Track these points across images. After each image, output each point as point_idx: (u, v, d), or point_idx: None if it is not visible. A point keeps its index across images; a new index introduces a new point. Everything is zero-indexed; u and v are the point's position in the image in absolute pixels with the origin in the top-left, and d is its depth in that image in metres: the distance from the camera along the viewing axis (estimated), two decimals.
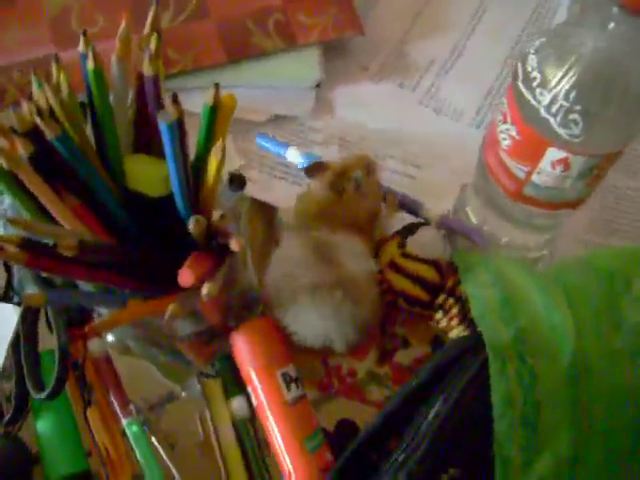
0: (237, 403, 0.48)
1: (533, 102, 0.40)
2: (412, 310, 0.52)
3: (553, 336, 0.41)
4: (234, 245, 0.37)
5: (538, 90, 0.39)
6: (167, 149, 0.38)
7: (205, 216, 0.38)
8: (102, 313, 0.46)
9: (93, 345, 0.48)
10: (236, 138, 0.61)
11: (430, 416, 0.39)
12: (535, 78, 0.39)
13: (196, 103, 0.59)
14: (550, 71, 0.39)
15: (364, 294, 0.47)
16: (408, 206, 0.54)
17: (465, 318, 0.50)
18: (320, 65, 0.62)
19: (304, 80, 0.62)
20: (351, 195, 0.49)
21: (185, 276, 0.37)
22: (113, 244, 0.42)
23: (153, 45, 0.41)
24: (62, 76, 0.39)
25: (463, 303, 0.50)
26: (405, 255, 0.51)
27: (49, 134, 0.36)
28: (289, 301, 0.46)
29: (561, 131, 0.39)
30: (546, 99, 0.39)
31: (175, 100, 0.37)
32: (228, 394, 0.49)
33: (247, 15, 0.62)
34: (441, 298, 0.50)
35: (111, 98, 0.42)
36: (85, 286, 0.43)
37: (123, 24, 0.41)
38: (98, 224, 0.42)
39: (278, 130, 0.61)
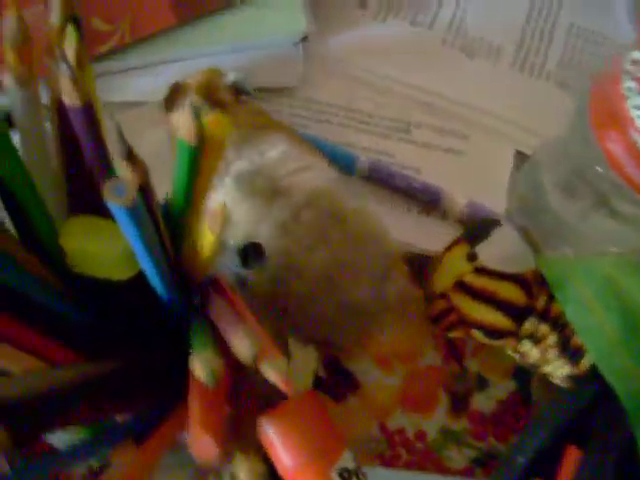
0: None
1: None
2: (491, 343, 0.38)
3: None
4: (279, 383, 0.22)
5: None
6: (128, 235, 0.23)
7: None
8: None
9: None
10: None
11: None
12: None
13: (141, 89, 0.44)
14: None
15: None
16: (421, 196, 0.41)
17: (566, 348, 0.37)
18: (305, 9, 0.45)
19: (286, 34, 0.45)
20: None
21: (205, 446, 0.23)
22: (83, 367, 0.28)
23: (72, 47, 0.25)
24: None
25: (562, 328, 0.37)
26: (479, 271, 0.36)
27: None
28: None
29: None
30: None
31: (131, 156, 0.21)
32: None
33: None
34: (530, 324, 0.37)
35: (15, 141, 0.26)
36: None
37: (11, 12, 0.25)
38: (43, 340, 0.27)
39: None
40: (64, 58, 0.24)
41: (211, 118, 0.23)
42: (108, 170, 0.27)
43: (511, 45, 0.47)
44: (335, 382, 0.40)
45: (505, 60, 0.47)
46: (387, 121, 0.45)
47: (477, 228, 0.37)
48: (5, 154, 0.25)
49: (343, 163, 0.40)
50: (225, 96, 0.34)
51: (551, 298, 0.37)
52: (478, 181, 0.44)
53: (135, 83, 0.44)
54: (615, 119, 0.31)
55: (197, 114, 0.23)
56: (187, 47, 0.44)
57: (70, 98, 0.24)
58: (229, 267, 0.27)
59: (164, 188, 0.27)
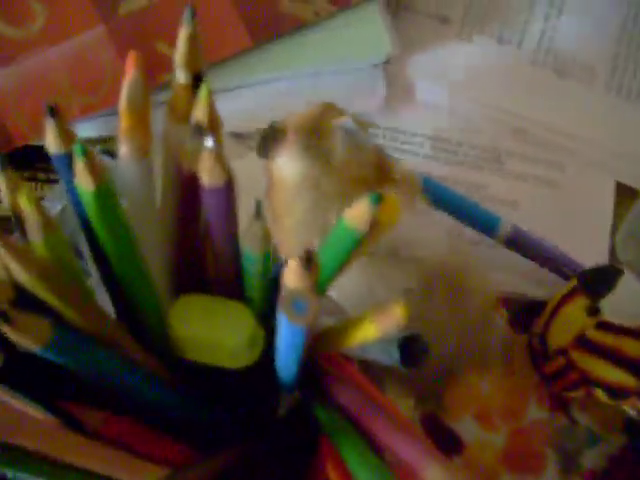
0: None
1: None
2: (614, 402, 0.35)
3: None
4: None
5: None
6: (287, 346, 0.19)
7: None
8: None
9: None
10: None
11: None
12: None
13: None
14: None
15: None
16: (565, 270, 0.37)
17: None
18: (389, 30, 0.41)
19: (368, 56, 0.41)
20: (345, 154, 0.30)
21: None
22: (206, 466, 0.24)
23: (204, 111, 0.21)
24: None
25: None
26: (602, 326, 0.33)
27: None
28: None
29: None
30: None
31: (309, 258, 0.17)
32: None
33: None
34: None
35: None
36: None
37: (131, 75, 0.22)
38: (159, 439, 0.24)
39: None
40: (202, 129, 0.20)
41: (386, 203, 0.20)
42: (235, 249, 0.23)
43: (605, 65, 0.43)
44: (435, 442, 0.37)
45: (600, 81, 0.43)
46: (478, 150, 0.41)
47: (597, 278, 0.34)
48: (116, 231, 0.21)
49: (483, 225, 0.37)
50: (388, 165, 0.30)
51: None
52: (577, 215, 0.40)
53: None
54: None
55: (374, 200, 0.19)
56: (261, 71, 0.40)
57: (211, 177, 0.20)
58: (370, 352, 0.24)
59: None
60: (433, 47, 0.43)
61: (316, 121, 0.31)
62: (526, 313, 0.38)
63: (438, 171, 0.41)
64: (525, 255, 0.37)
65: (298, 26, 0.40)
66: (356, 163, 0.29)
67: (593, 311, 0.33)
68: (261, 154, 0.32)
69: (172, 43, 0.38)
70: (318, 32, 0.40)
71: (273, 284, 0.24)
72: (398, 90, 0.42)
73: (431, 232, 0.36)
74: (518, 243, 0.37)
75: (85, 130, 0.39)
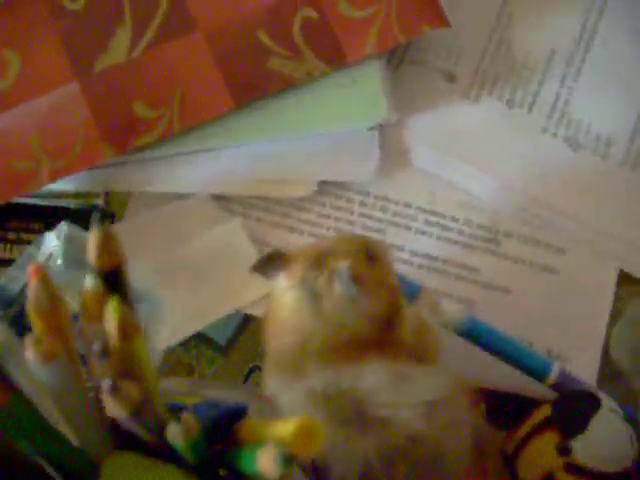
0: None
1: None
2: None
3: None
4: None
5: None
6: None
7: None
8: None
9: None
10: (260, 226, 0.38)
11: None
12: None
13: (186, 179, 0.38)
14: None
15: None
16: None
17: None
18: (387, 93, 0.38)
19: (362, 121, 0.38)
20: (336, 302, 0.28)
21: None
22: None
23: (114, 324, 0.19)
24: None
25: None
26: (574, 469, 0.31)
27: None
28: None
29: None
30: None
31: None
32: None
33: (257, 21, 0.37)
34: None
35: None
36: None
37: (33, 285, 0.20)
38: None
39: (326, 209, 0.39)
40: (107, 351, 0.18)
41: (305, 436, 0.17)
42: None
43: (623, 136, 0.40)
44: None
45: (615, 155, 0.39)
46: (473, 228, 0.38)
47: (572, 413, 0.31)
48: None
49: (534, 369, 0.34)
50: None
51: None
52: (574, 306, 0.38)
53: (179, 172, 0.38)
54: None
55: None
56: (245, 135, 0.37)
57: (115, 412, 0.18)
58: None
59: None
60: (435, 108, 0.40)
61: (323, 255, 0.29)
62: (506, 409, 0.36)
63: (428, 248, 0.38)
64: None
65: (285, 86, 0.37)
66: (352, 312, 0.28)
67: (564, 451, 0.30)
68: (259, 272, 0.30)
69: (151, 104, 0.36)
70: (304, 94, 0.37)
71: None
72: (393, 154, 0.39)
73: None
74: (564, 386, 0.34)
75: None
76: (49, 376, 0.19)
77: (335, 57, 0.37)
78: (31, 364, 0.18)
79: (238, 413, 0.26)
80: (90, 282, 0.21)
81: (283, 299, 0.29)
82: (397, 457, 0.26)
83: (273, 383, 0.29)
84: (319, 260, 0.28)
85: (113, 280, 0.21)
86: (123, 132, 0.35)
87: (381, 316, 0.28)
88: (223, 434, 0.25)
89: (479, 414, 0.36)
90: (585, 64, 0.41)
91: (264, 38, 0.37)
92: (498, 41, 0.41)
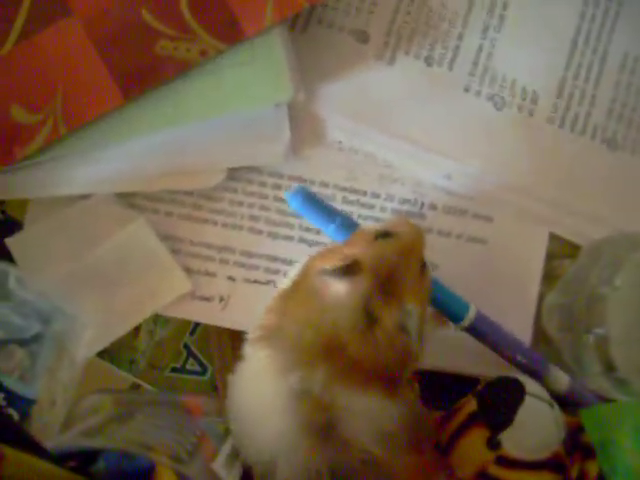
0: None
1: None
2: None
3: None
4: None
5: None
6: None
7: None
8: None
9: None
10: (170, 220, 0.36)
11: None
12: None
13: (87, 178, 0.35)
14: None
15: None
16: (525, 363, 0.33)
17: None
18: (291, 67, 0.34)
19: (266, 101, 0.35)
20: (389, 331, 0.28)
21: None
22: None
23: None
24: None
25: None
26: (503, 461, 0.31)
27: None
28: None
29: None
30: None
31: None
32: None
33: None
34: None
35: None
36: None
37: None
38: None
39: (238, 195, 0.36)
40: None
41: None
42: None
43: (549, 91, 0.37)
44: None
45: (542, 112, 0.37)
46: (396, 202, 0.36)
47: (497, 407, 0.31)
48: None
49: (453, 311, 0.33)
50: None
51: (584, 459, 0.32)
52: (505, 274, 0.36)
53: (76, 173, 0.35)
54: None
55: None
56: (140, 128, 0.34)
57: None
58: None
59: None
60: (348, 73, 0.37)
61: (391, 275, 0.28)
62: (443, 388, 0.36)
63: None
64: (485, 341, 0.34)
65: (178, 71, 0.34)
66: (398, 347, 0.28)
67: (494, 445, 0.30)
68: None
69: (31, 107, 0.33)
70: (198, 78, 0.34)
71: None
72: (305, 130, 0.36)
73: None
74: (479, 330, 0.34)
75: None
76: None
77: (231, 32, 0.34)
78: None
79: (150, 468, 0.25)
80: None
81: (334, 299, 0.28)
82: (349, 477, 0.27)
83: (253, 352, 0.30)
84: (387, 283, 0.28)
85: None
86: (4, 142, 0.32)
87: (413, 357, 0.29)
88: None
89: (415, 393, 0.36)
90: (508, 11, 0.37)
91: (149, 18, 0.33)
92: None
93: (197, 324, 0.37)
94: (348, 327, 0.28)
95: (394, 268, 0.29)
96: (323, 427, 0.28)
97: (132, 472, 0.25)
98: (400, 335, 0.28)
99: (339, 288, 0.28)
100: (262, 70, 0.34)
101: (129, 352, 0.37)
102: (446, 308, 0.33)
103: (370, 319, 0.28)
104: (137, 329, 0.36)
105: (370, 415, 0.28)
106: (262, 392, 0.29)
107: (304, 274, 0.30)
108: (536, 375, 0.33)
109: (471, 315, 0.33)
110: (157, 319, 0.37)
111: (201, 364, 0.38)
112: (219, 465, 0.29)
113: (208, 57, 0.34)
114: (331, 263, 0.29)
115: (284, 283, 0.32)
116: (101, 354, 0.36)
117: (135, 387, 0.37)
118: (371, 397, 0.28)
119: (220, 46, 0.34)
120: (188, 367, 0.38)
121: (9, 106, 0.32)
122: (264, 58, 0.34)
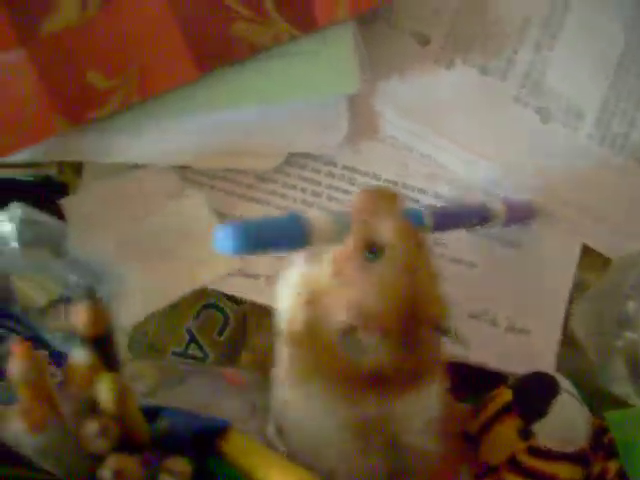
0: None
1: None
2: None
3: None
4: None
5: None
6: None
7: None
8: None
9: None
10: (226, 198, 0.37)
11: None
12: None
13: (149, 148, 0.36)
14: None
15: None
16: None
17: None
18: (359, 60, 0.36)
19: (333, 90, 0.36)
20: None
21: None
22: None
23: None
24: None
25: None
26: (535, 451, 0.32)
27: None
28: None
29: None
30: None
31: None
32: None
33: None
34: None
35: None
36: None
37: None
38: None
39: (292, 179, 0.37)
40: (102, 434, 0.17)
41: None
42: None
43: (593, 109, 0.39)
44: None
45: (585, 128, 0.39)
46: (442, 201, 0.38)
47: (532, 399, 0.33)
48: None
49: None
50: None
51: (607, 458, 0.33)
52: (536, 280, 0.38)
53: (139, 142, 0.35)
54: None
55: None
56: (209, 106, 0.35)
57: None
58: None
59: None
60: (408, 73, 0.38)
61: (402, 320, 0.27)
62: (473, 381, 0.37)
63: None
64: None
65: (252, 52, 0.35)
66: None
67: (526, 435, 0.31)
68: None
69: (107, 72, 0.33)
70: (275, 60, 0.35)
71: None
72: (363, 123, 0.38)
73: None
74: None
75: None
76: (39, 443, 0.18)
77: (305, 21, 0.35)
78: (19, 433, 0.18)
79: (222, 427, 0.26)
80: (78, 354, 0.20)
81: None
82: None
83: (297, 392, 0.28)
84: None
85: (101, 346, 0.20)
86: (77, 104, 0.33)
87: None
88: (206, 447, 0.25)
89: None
90: (562, 32, 0.39)
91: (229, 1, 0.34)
92: (472, 2, 0.39)
93: (202, 308, 0.38)
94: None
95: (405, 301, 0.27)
96: (385, 442, 0.28)
97: (198, 431, 0.25)
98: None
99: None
100: (331, 61, 0.36)
101: (131, 330, 0.37)
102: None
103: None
104: None
105: (422, 411, 0.29)
106: (319, 426, 0.28)
107: (314, 320, 0.28)
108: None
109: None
110: None
111: (202, 349, 0.38)
112: (271, 433, 0.30)
113: (280, 42, 0.35)
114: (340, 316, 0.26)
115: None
116: None
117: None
118: (420, 393, 0.29)
119: (294, 33, 0.35)
120: (190, 352, 0.38)
121: (86, 70, 0.33)
122: (334, 49, 0.36)
